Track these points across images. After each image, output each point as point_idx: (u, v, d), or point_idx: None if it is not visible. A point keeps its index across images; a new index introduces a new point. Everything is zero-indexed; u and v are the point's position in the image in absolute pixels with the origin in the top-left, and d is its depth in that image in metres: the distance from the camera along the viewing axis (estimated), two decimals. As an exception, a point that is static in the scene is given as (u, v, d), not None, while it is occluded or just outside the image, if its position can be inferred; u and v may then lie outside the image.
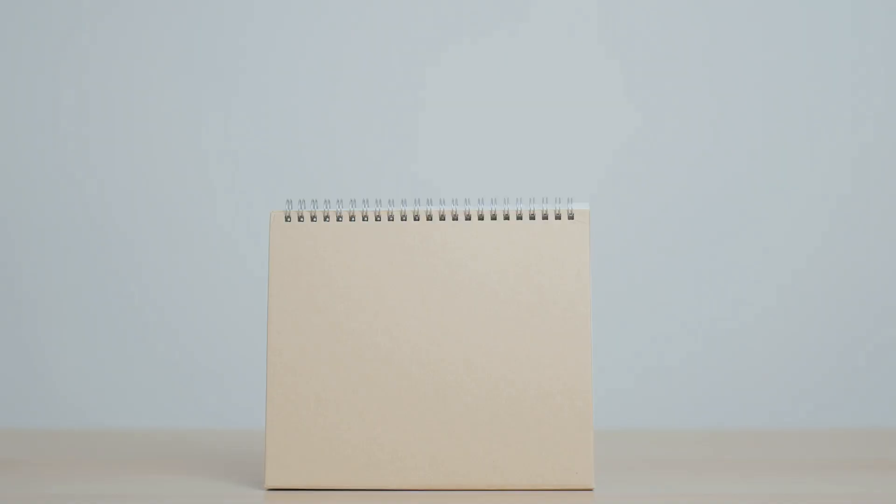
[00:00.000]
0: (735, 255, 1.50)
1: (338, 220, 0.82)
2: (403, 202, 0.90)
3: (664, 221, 1.49)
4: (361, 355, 0.82)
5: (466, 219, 0.83)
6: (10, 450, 1.04)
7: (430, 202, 0.87)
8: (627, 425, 1.44)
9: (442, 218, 0.83)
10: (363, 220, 0.82)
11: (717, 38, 1.50)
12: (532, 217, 0.83)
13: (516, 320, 0.82)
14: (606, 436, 1.13)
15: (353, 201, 0.83)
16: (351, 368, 0.82)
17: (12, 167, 1.48)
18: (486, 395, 0.81)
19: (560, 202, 0.83)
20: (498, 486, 0.81)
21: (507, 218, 0.83)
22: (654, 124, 1.50)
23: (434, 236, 0.82)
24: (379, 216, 0.83)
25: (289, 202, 0.82)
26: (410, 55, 1.48)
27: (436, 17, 1.49)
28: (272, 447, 0.81)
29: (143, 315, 1.48)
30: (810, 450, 1.07)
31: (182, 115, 1.43)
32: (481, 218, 0.83)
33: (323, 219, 0.83)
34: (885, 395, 1.49)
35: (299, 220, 0.83)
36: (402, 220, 0.83)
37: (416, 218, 0.83)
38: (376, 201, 0.90)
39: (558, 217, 0.82)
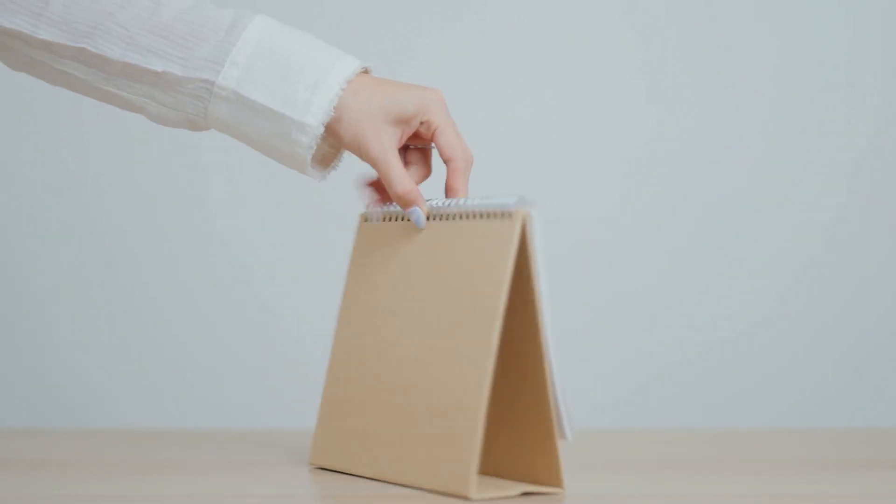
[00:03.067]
0: (736, 258, 1.50)
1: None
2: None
3: (667, 227, 1.49)
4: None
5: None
6: (11, 450, 1.04)
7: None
8: (627, 425, 1.44)
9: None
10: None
11: (724, 48, 1.50)
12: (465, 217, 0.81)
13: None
14: (606, 436, 1.13)
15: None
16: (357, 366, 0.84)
17: (14, 168, 1.48)
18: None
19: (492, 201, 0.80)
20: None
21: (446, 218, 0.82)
22: (663, 129, 1.50)
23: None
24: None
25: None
26: (421, 54, 1.48)
27: (444, 15, 1.49)
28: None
29: (143, 316, 1.48)
30: (810, 450, 1.07)
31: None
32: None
33: None
34: (885, 395, 1.49)
35: None
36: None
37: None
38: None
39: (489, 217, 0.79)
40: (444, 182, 0.85)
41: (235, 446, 1.01)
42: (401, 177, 0.82)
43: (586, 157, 1.49)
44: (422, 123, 0.83)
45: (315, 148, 0.83)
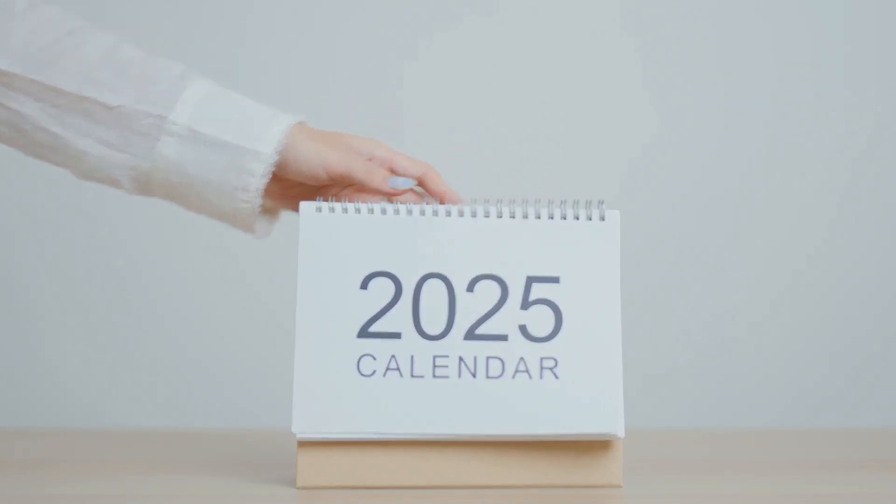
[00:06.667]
0: (735, 258, 1.50)
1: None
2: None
3: (667, 227, 1.49)
4: None
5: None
6: (11, 450, 1.04)
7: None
8: (627, 425, 1.44)
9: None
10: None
11: (727, 49, 1.50)
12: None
13: None
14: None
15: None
16: None
17: (13, 169, 1.48)
18: None
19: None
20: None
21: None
22: (662, 131, 1.50)
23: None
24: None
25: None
26: (421, 55, 1.48)
27: (445, 17, 1.49)
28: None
29: (142, 316, 1.48)
30: (810, 450, 1.07)
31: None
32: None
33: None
34: (884, 395, 1.49)
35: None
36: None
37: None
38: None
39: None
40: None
41: (235, 446, 1.01)
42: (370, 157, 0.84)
43: (585, 158, 1.49)
44: (369, 160, 0.85)
45: (269, 178, 0.84)
